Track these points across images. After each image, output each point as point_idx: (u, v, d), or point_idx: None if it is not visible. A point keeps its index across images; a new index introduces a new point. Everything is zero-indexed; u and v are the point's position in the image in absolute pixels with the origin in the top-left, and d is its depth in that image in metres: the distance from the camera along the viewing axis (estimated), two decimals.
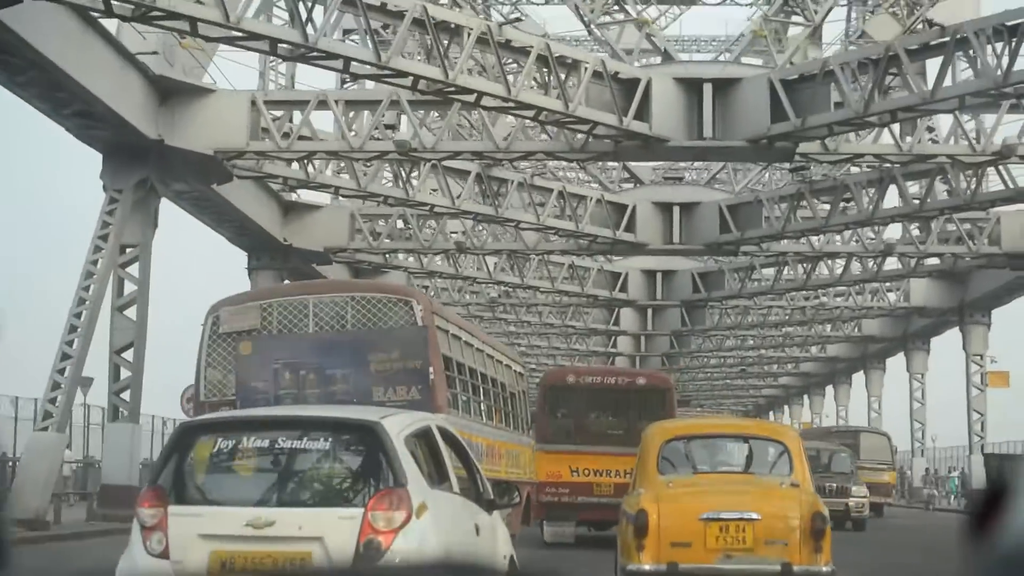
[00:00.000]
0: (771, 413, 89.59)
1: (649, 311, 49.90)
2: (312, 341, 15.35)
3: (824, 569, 11.64)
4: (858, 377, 66.96)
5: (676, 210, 35.18)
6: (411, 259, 39.70)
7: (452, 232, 37.12)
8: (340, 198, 35.03)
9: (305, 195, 36.50)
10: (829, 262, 41.35)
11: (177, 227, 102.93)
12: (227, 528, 8.20)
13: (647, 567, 11.63)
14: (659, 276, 43.94)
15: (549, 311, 47.20)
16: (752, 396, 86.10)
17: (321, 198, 36.78)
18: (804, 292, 45.59)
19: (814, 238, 36.63)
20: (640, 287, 44.23)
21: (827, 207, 33.57)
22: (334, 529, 8.15)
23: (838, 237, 37.16)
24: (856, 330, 55.93)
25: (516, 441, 20.40)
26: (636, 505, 11.92)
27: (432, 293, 43.68)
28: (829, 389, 75.57)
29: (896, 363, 60.42)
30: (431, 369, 15.00)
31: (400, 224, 37.05)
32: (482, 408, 18.49)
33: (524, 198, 33.24)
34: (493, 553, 9.77)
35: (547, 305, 45.18)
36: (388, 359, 15.03)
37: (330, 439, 8.75)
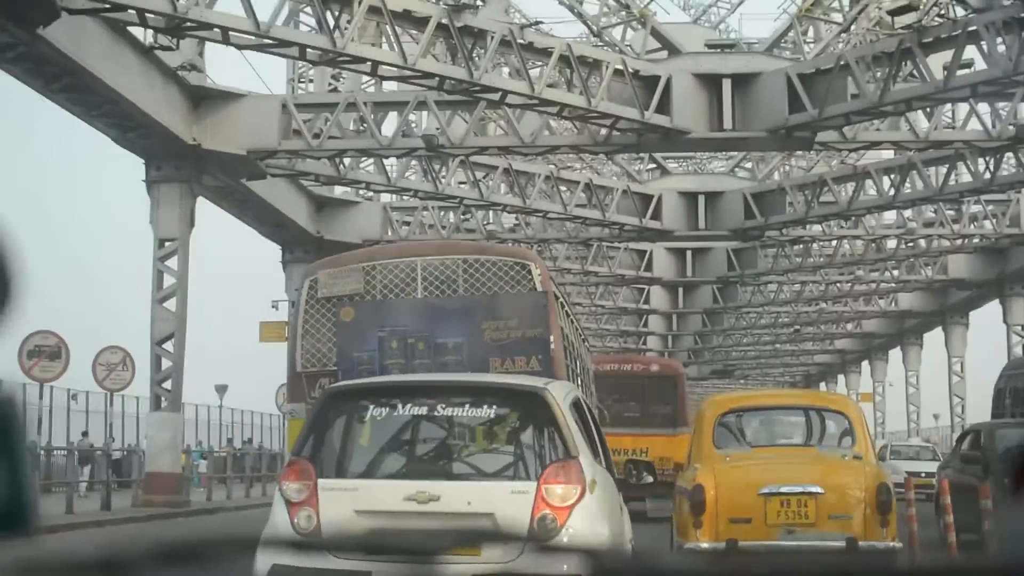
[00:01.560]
0: (823, 384, 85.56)
1: (680, 289, 50.78)
2: (421, 306, 14.00)
3: (891, 544, 11.33)
4: (895, 354, 67.23)
5: (701, 199, 36.31)
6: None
7: (486, 223, 38.22)
8: (371, 193, 36.28)
9: (339, 191, 37.71)
10: (857, 243, 42.03)
11: (215, 224, 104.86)
12: (386, 503, 7.58)
13: (705, 544, 11.26)
14: (689, 254, 44.66)
15: (577, 291, 47.86)
16: (803, 364, 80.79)
17: (352, 192, 38.05)
18: (838, 268, 46.16)
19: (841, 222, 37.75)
20: (669, 266, 45.05)
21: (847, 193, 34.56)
22: (506, 504, 7.54)
23: (871, 219, 38.31)
24: (893, 305, 56.33)
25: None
26: (692, 480, 11.65)
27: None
28: (864, 365, 75.65)
29: (932, 338, 61.02)
30: (552, 337, 13.77)
31: (427, 217, 38.29)
32: (579, 382, 17.56)
33: (551, 190, 34.15)
34: (625, 533, 9.17)
35: (575, 284, 45.86)
36: (505, 326, 13.80)
37: (494, 407, 8.09)
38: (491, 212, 37.82)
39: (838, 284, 49.22)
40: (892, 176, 34.00)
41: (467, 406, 8.04)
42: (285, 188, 34.79)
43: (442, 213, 38.15)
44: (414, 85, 25.11)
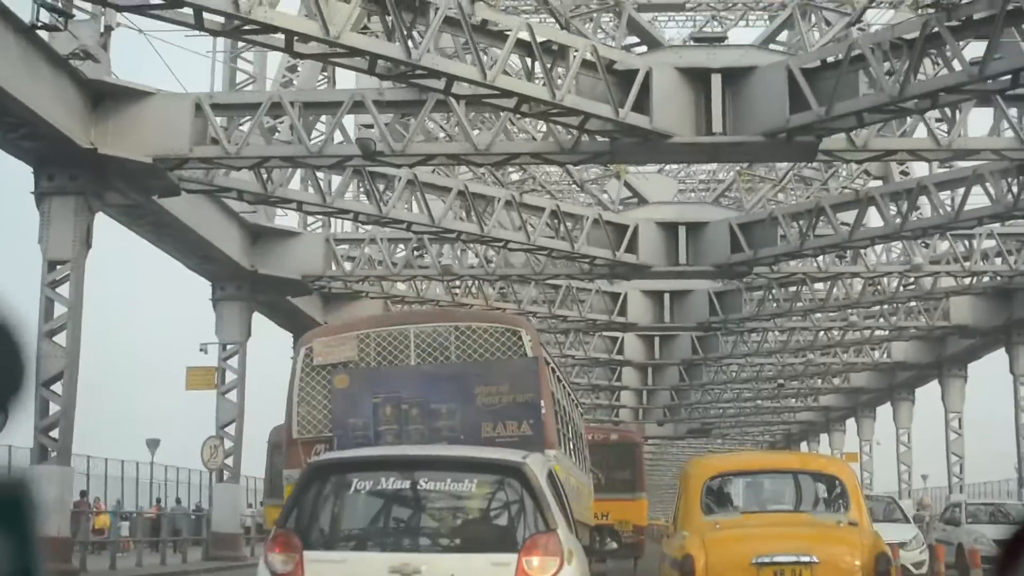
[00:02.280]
0: (804, 444, 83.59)
1: (656, 339, 47.34)
2: (414, 373, 14.54)
3: None
4: (883, 411, 64.05)
5: (682, 230, 32.58)
6: (400, 285, 37.64)
7: (440, 259, 34.94)
8: (311, 220, 33.83)
9: (277, 221, 34.86)
10: (854, 282, 38.66)
11: (137, 255, 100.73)
12: (371, 575, 7.82)
13: None
14: (667, 297, 41.05)
15: (544, 339, 44.38)
16: (785, 423, 78.62)
17: (291, 222, 34.94)
18: (829, 314, 43.13)
19: (835, 257, 34.94)
20: (645, 311, 41.29)
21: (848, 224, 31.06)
22: (487, 575, 7.84)
23: (871, 255, 35.10)
24: (886, 356, 52.83)
25: (587, 482, 20.31)
26: (681, 550, 11.39)
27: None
28: (850, 423, 72.19)
29: (924, 393, 58.12)
30: (542, 403, 14.23)
31: (373, 252, 35.05)
32: (571, 446, 17.82)
33: (513, 218, 30.43)
34: None
35: (542, 331, 42.34)
36: (497, 392, 14.21)
37: (475, 480, 8.39)
38: (446, 246, 34.28)
39: (828, 332, 46.06)
40: (900, 203, 30.25)
41: (449, 480, 8.31)
42: (212, 214, 31.05)
43: (392, 246, 34.33)
44: (339, 64, 21.21)
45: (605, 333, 44.98)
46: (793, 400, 66.70)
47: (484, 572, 7.87)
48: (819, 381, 59.67)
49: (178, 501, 50.37)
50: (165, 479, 52.36)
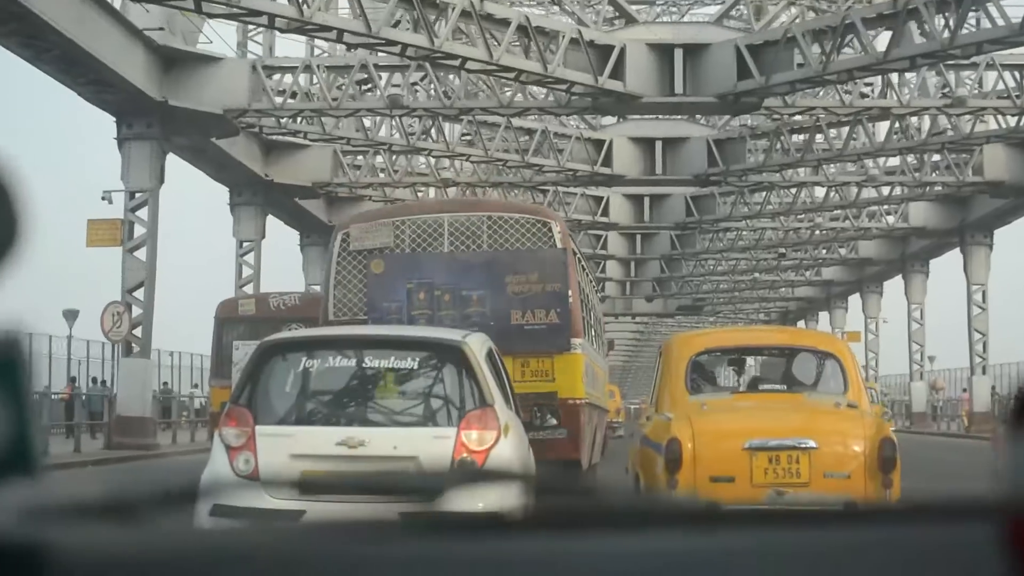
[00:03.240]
0: (802, 323, 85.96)
1: (638, 237, 57.43)
2: (448, 260, 17.01)
3: None
4: (890, 285, 67.94)
5: (659, 144, 42.61)
6: (399, 191, 46.37)
7: (439, 168, 44.70)
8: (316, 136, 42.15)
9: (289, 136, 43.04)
10: (820, 189, 48.50)
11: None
12: (319, 448, 9.32)
13: None
14: (646, 201, 51.25)
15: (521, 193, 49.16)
16: (783, 299, 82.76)
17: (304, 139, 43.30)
18: (797, 215, 52.44)
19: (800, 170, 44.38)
20: (626, 212, 51.58)
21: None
22: (428, 448, 9.33)
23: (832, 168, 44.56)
24: (854, 253, 62.16)
25: (604, 367, 23.88)
26: (665, 433, 11.33)
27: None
28: (823, 315, 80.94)
29: (892, 286, 65.47)
30: (570, 292, 16.75)
31: (378, 162, 44.69)
32: (592, 333, 20.38)
33: (509, 139, 40.56)
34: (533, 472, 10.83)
35: (518, 184, 46.98)
36: (527, 280, 16.63)
37: (417, 359, 10.01)
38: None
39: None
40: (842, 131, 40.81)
41: (392, 358, 9.94)
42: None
43: (393, 157, 44.15)
44: (380, 51, 30.97)
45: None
46: (793, 274, 70.17)
47: (425, 445, 9.38)
48: (824, 251, 62.61)
49: (93, 380, 48.59)
50: (88, 355, 50.62)
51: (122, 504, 1.71)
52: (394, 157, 44.10)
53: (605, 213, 51.05)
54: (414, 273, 16.93)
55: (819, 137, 42.50)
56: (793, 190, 48.26)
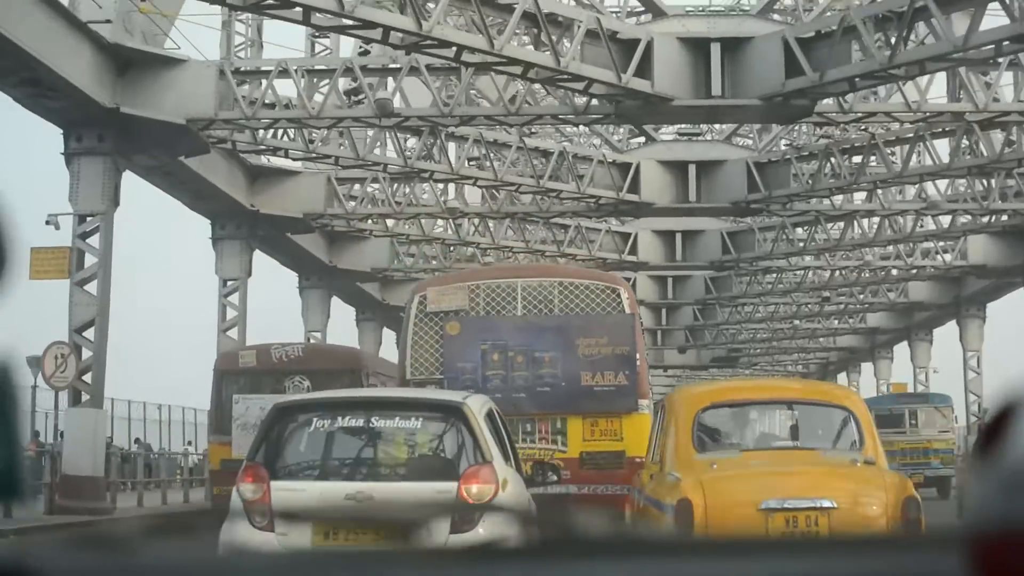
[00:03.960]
0: (842, 376, 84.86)
1: (670, 280, 53.35)
2: (520, 323, 18.40)
3: None
4: (900, 350, 66.71)
5: (692, 168, 38.03)
6: (406, 224, 42.96)
7: (444, 197, 40.37)
8: (316, 163, 38.34)
9: (275, 161, 39.01)
10: (870, 220, 44.03)
11: (132, 195, 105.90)
12: (329, 501, 9.97)
13: None
14: (678, 237, 46.67)
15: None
16: (823, 349, 79.42)
17: (293, 163, 39.59)
18: (843, 251, 47.93)
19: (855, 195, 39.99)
20: (656, 250, 47.03)
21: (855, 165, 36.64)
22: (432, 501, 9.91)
23: (886, 193, 40.11)
24: (903, 296, 57.63)
25: None
26: (675, 494, 11.14)
27: (420, 260, 47.61)
28: (866, 365, 76.82)
29: (943, 335, 61.36)
30: (638, 355, 18.07)
31: (375, 189, 40.60)
32: (651, 387, 21.35)
33: (524, 161, 36.24)
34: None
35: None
36: (596, 344, 17.88)
37: (420, 418, 10.88)
38: (451, 186, 39.84)
39: (844, 270, 49.98)
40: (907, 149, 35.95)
41: (398, 418, 10.81)
42: (215, 158, 36.23)
43: (393, 186, 39.81)
44: (355, 36, 26.56)
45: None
46: (836, 321, 67.15)
47: (429, 499, 10.06)
48: (870, 295, 58.71)
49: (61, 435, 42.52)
50: (56, 406, 46.85)
51: (110, 535, 1.85)
52: (394, 185, 39.73)
53: (633, 251, 46.70)
54: (488, 335, 18.20)
55: (873, 159, 37.92)
56: (841, 224, 44.19)
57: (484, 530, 9.63)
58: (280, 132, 33.27)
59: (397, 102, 30.96)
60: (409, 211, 40.47)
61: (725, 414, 12.86)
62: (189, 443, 54.78)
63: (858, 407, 12.41)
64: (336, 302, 51.08)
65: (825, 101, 29.33)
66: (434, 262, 47.57)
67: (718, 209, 39.95)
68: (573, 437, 17.91)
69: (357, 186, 40.57)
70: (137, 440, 50.99)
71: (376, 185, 40.38)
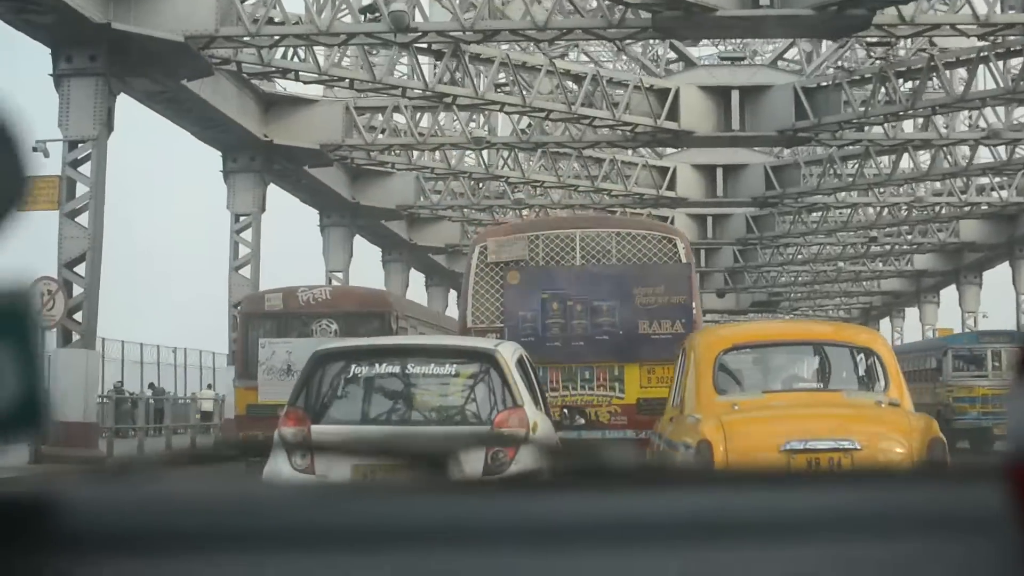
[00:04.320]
0: (884, 322, 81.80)
1: (709, 219, 51.28)
2: (579, 273, 18.84)
3: None
4: (948, 294, 64.16)
5: (735, 94, 35.54)
6: (431, 157, 40.99)
7: (471, 126, 38.34)
8: (334, 90, 35.95)
9: (292, 89, 37.05)
10: (922, 154, 41.56)
11: (134, 123, 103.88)
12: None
13: None
14: (720, 172, 44.35)
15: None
16: (867, 294, 76.73)
17: (310, 92, 37.47)
18: (893, 187, 45.51)
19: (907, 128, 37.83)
20: (696, 185, 44.64)
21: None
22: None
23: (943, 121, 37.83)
24: (954, 236, 54.32)
25: None
26: (695, 435, 11.04)
27: (448, 196, 45.66)
28: (911, 310, 74.00)
29: (994, 276, 58.49)
30: (694, 304, 18.55)
31: (396, 121, 38.20)
32: None
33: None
34: None
35: (586, 206, 45.91)
36: (653, 293, 18.28)
37: (454, 365, 11.30)
38: (481, 115, 37.55)
39: (893, 209, 47.89)
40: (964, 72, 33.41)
41: (432, 365, 11.26)
42: (224, 84, 33.98)
43: (417, 114, 37.50)
44: None
45: (653, 211, 47.09)
46: (881, 263, 64.82)
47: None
48: (918, 235, 56.46)
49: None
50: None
51: (125, 464, 2.02)
52: (417, 115, 37.76)
53: (672, 186, 44.33)
54: (548, 285, 18.70)
55: (930, 85, 36.18)
56: (892, 157, 43.15)
57: (517, 468, 9.87)
58: (291, 53, 30.80)
59: (416, 18, 28.49)
60: (433, 141, 38.00)
61: (747, 356, 12.75)
62: (209, 386, 52.51)
63: (883, 348, 12.29)
64: (360, 242, 49.01)
65: (884, 12, 26.67)
66: (462, 198, 45.96)
67: (763, 138, 37.39)
68: (630, 384, 18.12)
69: (379, 116, 38.16)
70: (151, 385, 49.40)
71: (399, 116, 37.98)
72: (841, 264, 62.67)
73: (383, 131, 38.01)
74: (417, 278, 56.66)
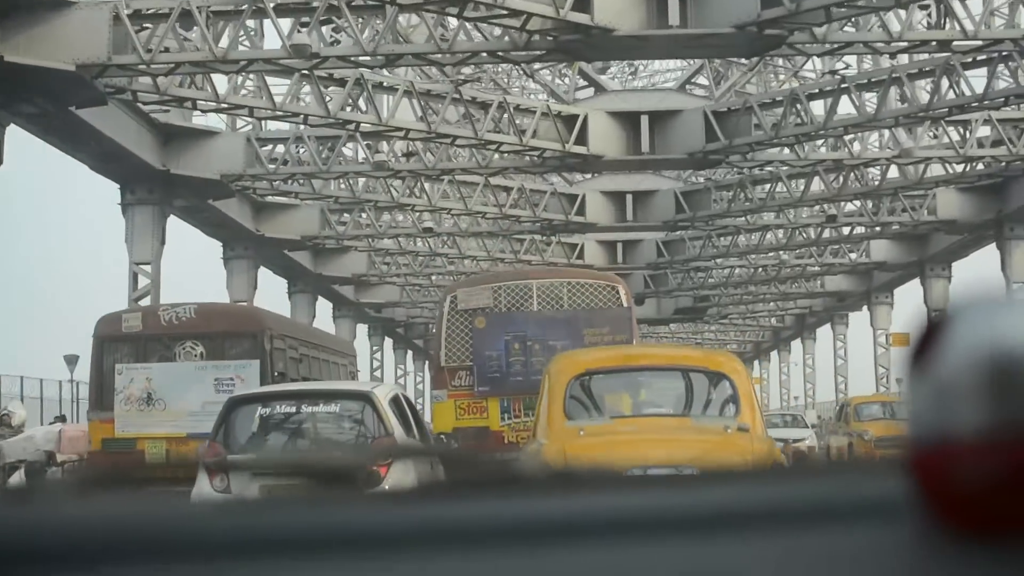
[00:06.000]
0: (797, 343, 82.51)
1: (620, 245, 50.63)
2: (537, 317, 22.24)
3: None
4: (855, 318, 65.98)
5: (644, 119, 34.90)
6: (333, 185, 40.09)
7: (374, 151, 37.29)
8: (235, 121, 35.77)
9: (195, 121, 36.28)
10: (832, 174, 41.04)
11: (27, 156, 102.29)
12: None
13: None
14: (629, 198, 43.87)
15: (499, 246, 47.78)
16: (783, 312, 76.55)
17: (211, 123, 36.71)
18: (809, 205, 44.83)
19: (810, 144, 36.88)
20: (605, 210, 44.04)
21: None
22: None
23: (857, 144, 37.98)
24: (865, 256, 54.09)
25: None
26: (538, 460, 11.52)
27: (352, 227, 44.84)
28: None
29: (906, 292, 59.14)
30: (634, 341, 22.02)
31: (302, 153, 37.34)
32: None
33: (459, 113, 33.51)
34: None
35: (495, 234, 45.41)
36: (600, 333, 21.52)
37: (338, 403, 14.21)
38: (383, 143, 36.70)
39: (805, 228, 47.77)
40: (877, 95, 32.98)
41: (321, 404, 14.16)
42: (121, 115, 32.88)
43: (319, 144, 36.56)
44: None
45: (563, 238, 47.66)
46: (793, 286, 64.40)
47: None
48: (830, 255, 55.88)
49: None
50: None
51: (41, 490, 1.99)
52: (319, 145, 36.69)
53: (581, 212, 43.80)
54: (510, 327, 21.90)
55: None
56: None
57: (389, 484, 11.21)
58: (188, 81, 29.80)
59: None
60: (336, 170, 37.08)
61: (601, 381, 12.76)
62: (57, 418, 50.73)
63: (736, 373, 12.57)
64: (266, 273, 48.01)
65: (797, 35, 26.17)
66: (367, 228, 45.43)
67: (673, 161, 36.65)
68: None
69: (280, 147, 37.23)
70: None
71: (302, 148, 37.07)
72: (752, 288, 62.50)
73: (285, 162, 37.04)
74: (324, 307, 55.95)
